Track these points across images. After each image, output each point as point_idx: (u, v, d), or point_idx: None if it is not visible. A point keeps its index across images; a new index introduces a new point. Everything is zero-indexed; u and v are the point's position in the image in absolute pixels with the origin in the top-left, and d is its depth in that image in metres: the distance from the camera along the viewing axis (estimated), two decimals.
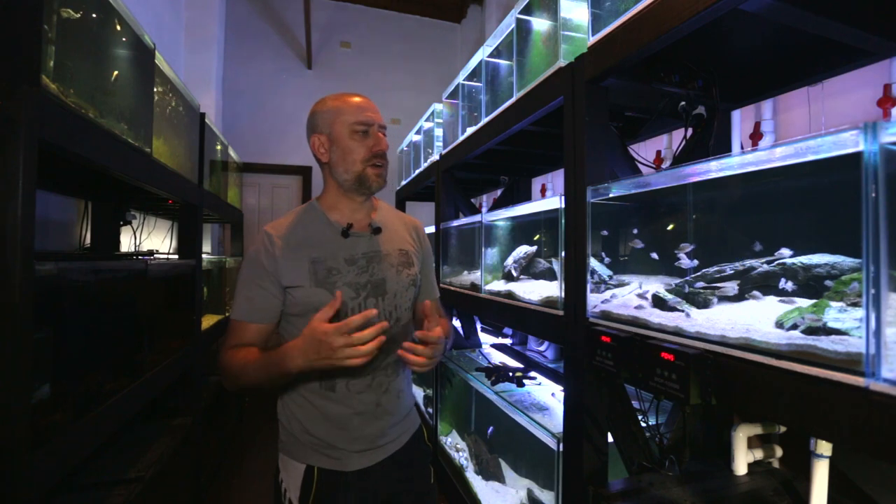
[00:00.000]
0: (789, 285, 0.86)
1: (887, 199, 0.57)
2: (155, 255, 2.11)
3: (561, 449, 1.34)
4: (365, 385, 1.02)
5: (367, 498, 1.03)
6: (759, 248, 0.95)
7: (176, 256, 2.37)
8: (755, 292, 0.90)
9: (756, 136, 1.94)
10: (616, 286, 1.21)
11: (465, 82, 2.30)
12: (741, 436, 1.07)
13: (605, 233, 1.21)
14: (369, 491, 1.03)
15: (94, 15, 1.16)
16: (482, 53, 2.03)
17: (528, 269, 1.85)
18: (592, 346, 1.09)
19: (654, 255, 1.22)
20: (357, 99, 1.04)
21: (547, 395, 1.92)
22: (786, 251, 0.90)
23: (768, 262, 0.92)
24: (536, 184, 3.43)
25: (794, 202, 0.96)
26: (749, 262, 0.95)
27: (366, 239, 1.06)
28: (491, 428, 2.14)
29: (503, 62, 1.92)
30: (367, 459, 1.03)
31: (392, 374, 1.06)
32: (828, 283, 0.81)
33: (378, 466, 1.05)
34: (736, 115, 1.71)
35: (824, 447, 0.91)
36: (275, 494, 1.06)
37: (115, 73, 1.28)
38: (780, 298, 0.87)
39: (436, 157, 2.76)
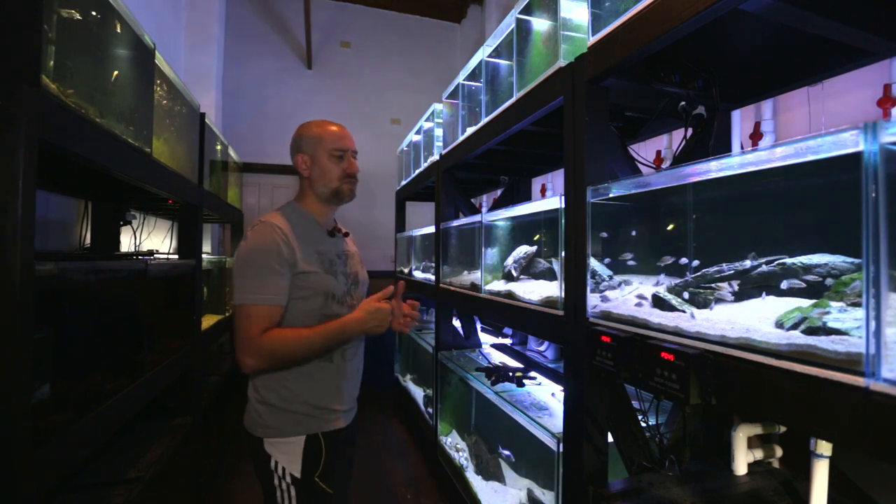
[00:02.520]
0: (787, 284, 0.86)
1: (887, 199, 0.57)
2: (155, 255, 2.11)
3: (561, 449, 1.34)
4: (353, 353, 1.26)
5: (349, 449, 1.29)
6: (753, 263, 0.95)
7: (176, 256, 2.36)
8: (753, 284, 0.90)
9: (756, 136, 1.94)
10: (616, 286, 1.21)
11: (465, 82, 2.30)
12: (741, 436, 1.07)
13: (604, 234, 1.21)
14: (351, 443, 1.29)
15: (94, 15, 1.16)
16: (482, 53, 2.03)
17: (528, 269, 1.85)
18: (592, 346, 1.09)
19: (631, 262, 1.23)
20: (335, 128, 1.26)
21: (547, 395, 1.92)
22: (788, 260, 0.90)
23: (768, 262, 0.92)
24: (536, 184, 3.43)
25: (794, 202, 0.96)
26: (749, 262, 0.95)
27: (340, 240, 1.32)
28: (508, 452, 2.16)
29: (503, 62, 1.92)
30: (350, 416, 1.28)
31: (356, 349, 1.30)
32: (827, 282, 0.81)
33: (353, 422, 1.30)
34: (736, 115, 1.71)
35: (824, 447, 0.91)
36: (266, 484, 1.14)
37: (115, 73, 1.28)
38: (789, 297, 0.87)
39: (436, 157, 2.76)
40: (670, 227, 1.27)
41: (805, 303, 0.80)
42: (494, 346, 2.90)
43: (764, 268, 0.92)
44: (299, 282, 1.14)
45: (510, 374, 2.13)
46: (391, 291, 1.23)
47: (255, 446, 1.16)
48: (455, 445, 2.55)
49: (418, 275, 3.33)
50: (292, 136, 1.28)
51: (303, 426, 1.15)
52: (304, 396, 1.16)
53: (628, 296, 1.13)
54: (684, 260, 1.11)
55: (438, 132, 2.94)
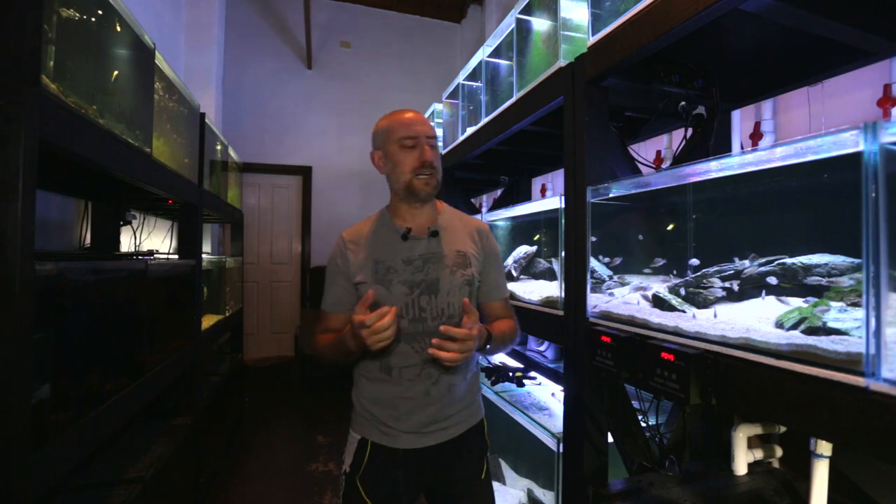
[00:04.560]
0: (786, 283, 0.86)
1: (887, 199, 0.57)
2: (155, 255, 2.11)
3: (561, 449, 1.34)
4: (415, 374, 1.11)
5: (414, 478, 1.12)
6: (750, 264, 0.95)
7: (176, 256, 2.36)
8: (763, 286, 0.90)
9: (756, 136, 1.94)
10: (616, 286, 1.21)
11: (465, 82, 2.30)
12: (741, 436, 1.07)
13: (593, 239, 1.20)
14: (417, 471, 1.12)
15: (94, 15, 1.16)
16: (482, 53, 2.03)
17: (529, 269, 1.85)
18: (592, 346, 1.08)
19: (607, 269, 1.22)
20: (407, 115, 1.14)
21: (547, 395, 1.92)
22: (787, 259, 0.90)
23: (768, 262, 0.92)
24: (536, 184, 3.43)
25: (794, 202, 0.96)
26: (749, 262, 0.95)
27: (424, 241, 1.15)
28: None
29: (503, 62, 1.92)
30: (415, 441, 1.11)
31: (442, 367, 1.09)
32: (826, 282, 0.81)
33: (428, 450, 1.12)
34: (736, 115, 1.71)
35: (824, 447, 0.91)
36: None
37: (115, 72, 1.28)
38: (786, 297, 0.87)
39: None
40: (670, 226, 1.27)
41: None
42: None
43: (764, 268, 0.92)
44: (357, 292, 1.15)
45: (510, 373, 2.13)
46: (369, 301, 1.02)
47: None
48: None
49: None
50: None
51: (361, 426, 1.16)
52: (366, 399, 1.16)
53: (628, 295, 1.13)
54: (695, 261, 1.11)
55: (438, 132, 2.94)
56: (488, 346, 1.12)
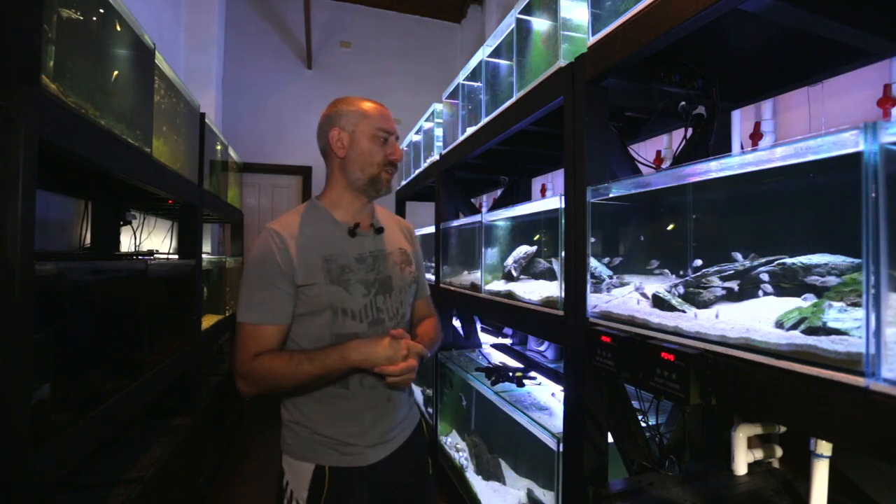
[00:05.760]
0: (787, 284, 0.86)
1: (887, 199, 0.57)
2: (155, 255, 2.11)
3: (561, 449, 1.34)
4: (375, 380, 1.04)
5: (378, 490, 1.06)
6: (747, 263, 0.95)
7: (176, 256, 2.36)
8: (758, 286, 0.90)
9: (756, 136, 1.94)
10: (616, 286, 1.21)
11: (465, 82, 2.30)
12: (741, 436, 1.07)
13: (593, 240, 1.20)
14: (379, 483, 1.06)
15: (94, 15, 1.16)
16: (482, 53, 2.03)
17: (528, 269, 1.85)
18: (592, 346, 1.08)
19: (607, 268, 1.22)
20: (380, 107, 1.10)
21: (547, 395, 1.91)
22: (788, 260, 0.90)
23: (768, 262, 0.92)
24: (536, 184, 3.43)
25: (794, 202, 0.96)
26: (749, 262, 0.95)
27: (370, 238, 1.11)
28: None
29: (503, 62, 1.92)
30: (379, 453, 1.06)
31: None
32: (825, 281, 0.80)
33: (387, 459, 1.07)
34: (736, 115, 1.71)
35: (824, 447, 0.91)
36: (278, 497, 1.05)
37: (115, 73, 1.28)
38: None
39: (436, 157, 2.76)
40: (670, 226, 1.27)
41: (805, 303, 0.80)
42: (494, 346, 2.89)
43: (764, 268, 0.92)
44: (302, 296, 1.00)
45: (510, 374, 2.13)
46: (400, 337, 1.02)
47: (280, 457, 1.08)
48: (455, 445, 2.55)
49: None
50: (323, 112, 1.10)
51: (313, 453, 1.02)
52: (316, 423, 1.03)
53: (628, 295, 1.13)
54: (698, 262, 1.11)
55: (438, 132, 2.94)
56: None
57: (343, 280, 1.03)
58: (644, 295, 1.09)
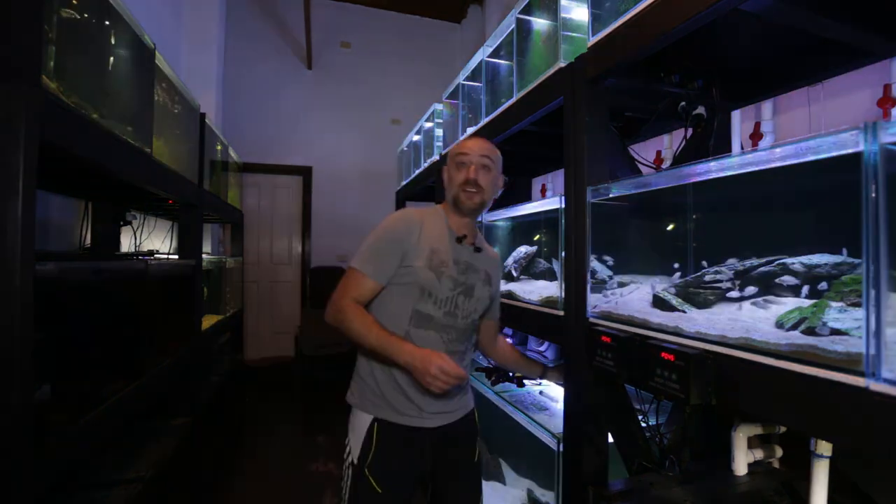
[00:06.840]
0: (788, 281, 0.86)
1: (887, 199, 0.57)
2: (155, 256, 2.11)
3: (561, 449, 1.34)
4: None
5: (415, 452, 1.21)
6: (747, 264, 0.94)
7: (176, 256, 2.37)
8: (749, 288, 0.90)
9: (756, 136, 1.94)
10: (616, 286, 1.21)
11: (466, 82, 2.30)
12: (741, 436, 1.07)
13: (603, 235, 1.21)
14: (418, 446, 1.21)
15: (94, 15, 1.16)
16: (482, 53, 2.03)
17: (528, 269, 1.85)
18: (592, 346, 1.09)
19: (609, 269, 1.22)
20: (468, 140, 1.29)
21: (547, 395, 1.91)
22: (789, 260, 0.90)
23: (768, 263, 0.92)
24: (536, 184, 3.43)
25: (794, 202, 0.96)
26: (749, 262, 0.95)
27: (469, 251, 1.29)
28: None
29: (503, 62, 1.92)
30: (433, 421, 1.21)
31: (458, 360, 1.23)
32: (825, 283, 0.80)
33: (438, 430, 1.22)
34: (736, 115, 1.71)
35: (824, 447, 0.91)
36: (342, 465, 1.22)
37: (116, 73, 1.28)
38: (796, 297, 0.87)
39: (436, 157, 2.76)
40: (670, 226, 1.27)
41: (805, 303, 0.80)
42: None
43: (764, 268, 0.92)
44: (403, 271, 1.18)
45: (510, 373, 2.12)
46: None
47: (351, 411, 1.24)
48: None
49: None
50: None
51: (374, 406, 1.18)
52: (381, 383, 1.19)
53: (628, 296, 1.13)
54: (702, 263, 1.11)
55: (438, 132, 2.94)
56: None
57: (439, 271, 1.20)
58: (657, 296, 1.09)
